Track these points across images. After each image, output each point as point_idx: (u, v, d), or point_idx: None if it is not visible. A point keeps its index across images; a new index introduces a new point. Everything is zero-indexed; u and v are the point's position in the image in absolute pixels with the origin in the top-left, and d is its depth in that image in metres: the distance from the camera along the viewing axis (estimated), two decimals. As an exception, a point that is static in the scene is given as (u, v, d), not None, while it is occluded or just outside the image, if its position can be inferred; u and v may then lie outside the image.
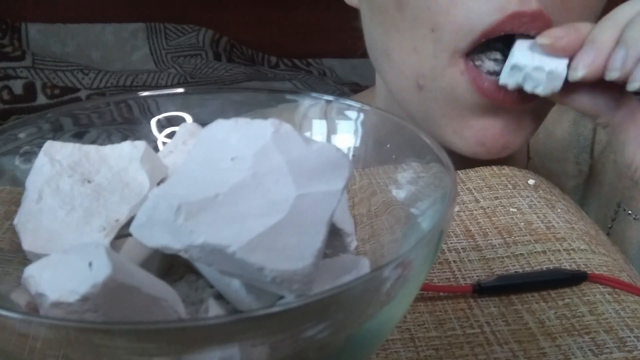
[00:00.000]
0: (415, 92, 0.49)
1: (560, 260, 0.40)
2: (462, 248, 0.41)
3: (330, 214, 0.24)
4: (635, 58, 0.38)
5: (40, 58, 1.60)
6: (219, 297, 0.26)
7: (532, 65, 0.42)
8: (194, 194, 0.23)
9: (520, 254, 0.41)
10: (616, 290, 0.37)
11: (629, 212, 0.57)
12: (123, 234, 0.27)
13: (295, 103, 0.34)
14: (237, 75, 1.66)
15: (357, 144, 0.33)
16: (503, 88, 0.45)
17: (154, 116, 0.35)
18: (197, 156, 0.25)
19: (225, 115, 0.26)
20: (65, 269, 0.22)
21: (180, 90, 0.34)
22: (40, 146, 0.29)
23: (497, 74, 0.45)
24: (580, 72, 0.40)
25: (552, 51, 0.41)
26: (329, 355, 0.23)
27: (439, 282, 0.38)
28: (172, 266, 0.28)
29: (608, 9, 0.42)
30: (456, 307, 0.36)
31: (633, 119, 0.41)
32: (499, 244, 0.42)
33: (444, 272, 0.39)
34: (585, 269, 0.39)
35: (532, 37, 0.43)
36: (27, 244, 0.26)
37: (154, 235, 0.23)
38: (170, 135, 0.34)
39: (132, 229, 0.24)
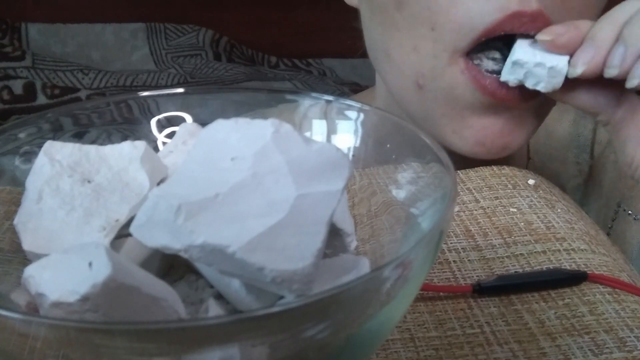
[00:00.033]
0: (415, 91, 0.49)
1: (560, 260, 0.40)
2: (462, 248, 0.41)
3: (330, 214, 0.24)
4: (634, 55, 0.38)
5: (40, 58, 1.60)
6: (219, 297, 0.26)
7: (533, 62, 0.42)
8: (194, 194, 0.23)
9: (520, 254, 0.41)
10: (616, 290, 0.37)
11: (629, 212, 0.57)
12: (123, 234, 0.27)
13: (295, 103, 0.34)
14: (237, 75, 1.66)
15: (357, 144, 0.33)
16: (504, 85, 0.45)
17: (154, 116, 0.35)
18: (197, 156, 0.25)
19: (225, 115, 0.26)
20: (65, 269, 0.22)
21: (180, 90, 0.34)
22: (40, 146, 0.29)
23: (497, 73, 0.45)
24: (579, 68, 0.40)
25: (552, 48, 0.42)
26: (329, 355, 0.23)
27: (439, 282, 0.38)
28: (172, 266, 0.28)
29: (608, 9, 0.42)
30: (456, 307, 0.36)
31: (633, 116, 0.42)
32: (499, 244, 0.42)
33: (444, 272, 0.39)
34: (585, 269, 0.39)
35: (532, 37, 0.43)
36: (27, 244, 0.26)
37: (154, 235, 0.23)
38: (170, 135, 0.34)
39: (132, 229, 0.24)
